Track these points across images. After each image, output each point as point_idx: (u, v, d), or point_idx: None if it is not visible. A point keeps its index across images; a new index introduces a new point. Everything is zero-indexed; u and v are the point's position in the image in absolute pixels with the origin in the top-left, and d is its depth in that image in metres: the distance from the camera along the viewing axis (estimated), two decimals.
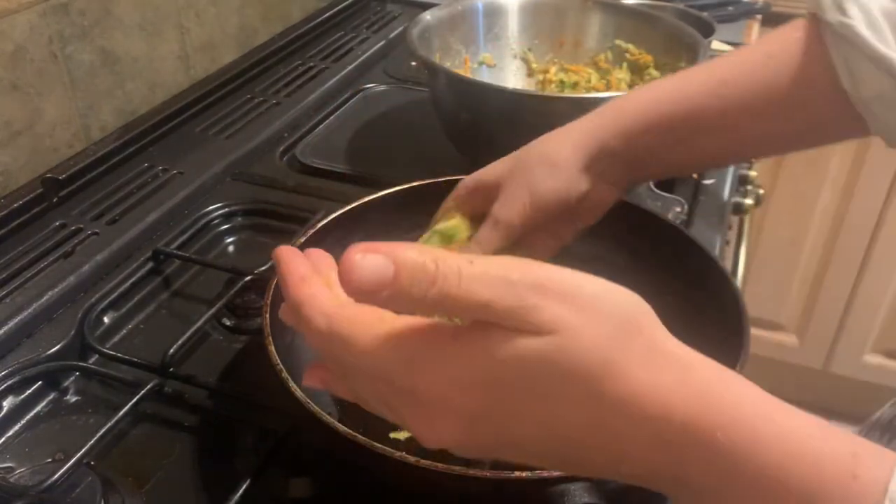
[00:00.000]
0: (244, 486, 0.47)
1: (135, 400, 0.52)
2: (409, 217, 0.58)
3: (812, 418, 0.28)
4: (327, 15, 1.14)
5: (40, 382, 0.56)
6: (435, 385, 0.29)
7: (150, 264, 0.67)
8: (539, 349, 0.28)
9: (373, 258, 0.27)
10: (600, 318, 0.28)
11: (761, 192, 0.94)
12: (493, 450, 0.31)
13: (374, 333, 0.30)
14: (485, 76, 0.88)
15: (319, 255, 0.41)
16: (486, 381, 0.28)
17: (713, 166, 0.78)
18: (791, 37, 0.53)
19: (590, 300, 0.28)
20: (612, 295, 0.29)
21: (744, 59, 0.54)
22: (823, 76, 0.51)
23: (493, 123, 0.73)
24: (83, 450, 0.48)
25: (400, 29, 1.13)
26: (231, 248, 0.74)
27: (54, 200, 0.73)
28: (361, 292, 0.27)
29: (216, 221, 0.75)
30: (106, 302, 0.62)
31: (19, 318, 0.59)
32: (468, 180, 0.55)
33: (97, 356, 0.59)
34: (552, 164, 0.52)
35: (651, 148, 0.54)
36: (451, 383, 0.29)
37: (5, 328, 0.58)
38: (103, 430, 0.50)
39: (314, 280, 0.35)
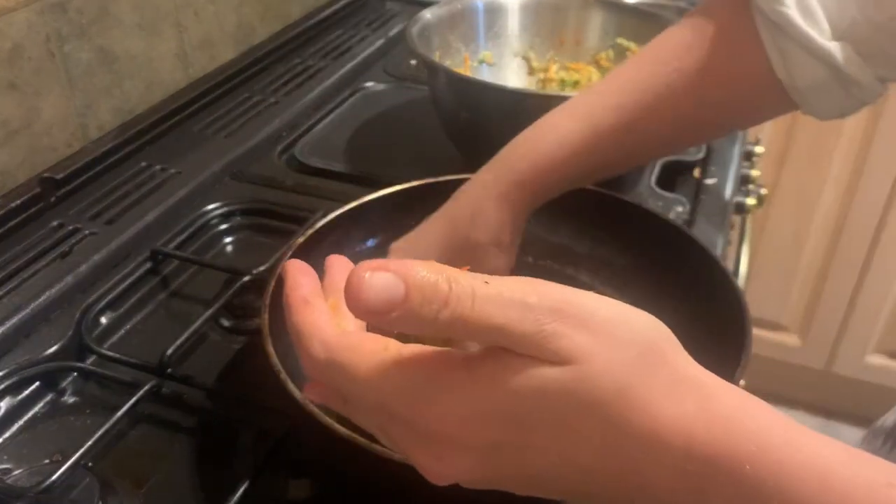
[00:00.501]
0: (243, 488, 0.47)
1: (133, 401, 0.52)
2: (409, 217, 0.58)
3: (842, 446, 0.27)
4: (326, 13, 1.14)
5: (38, 383, 0.56)
6: (445, 418, 0.27)
7: (148, 264, 0.66)
8: (558, 380, 0.26)
9: (382, 276, 0.26)
10: (620, 344, 0.27)
11: (763, 191, 0.94)
12: (507, 483, 0.29)
13: (377, 361, 0.29)
14: (485, 75, 0.87)
15: (339, 268, 0.39)
16: (502, 415, 0.27)
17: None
18: (718, 23, 0.52)
19: (609, 326, 0.27)
20: (632, 321, 0.28)
21: (665, 54, 0.53)
22: (750, 58, 0.50)
23: (494, 122, 0.73)
24: (81, 451, 0.48)
25: (399, 27, 1.13)
26: (229, 248, 0.73)
27: (52, 200, 0.72)
28: (369, 312, 0.26)
29: (214, 221, 0.74)
30: (104, 302, 0.62)
31: (17, 318, 0.58)
32: None
33: (95, 357, 0.58)
34: (500, 245, 0.55)
35: (571, 183, 0.56)
36: (463, 417, 0.27)
37: (2, 329, 0.57)
38: (101, 432, 0.49)
39: (317, 304, 0.33)
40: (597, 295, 0.28)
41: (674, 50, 0.53)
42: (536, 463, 0.28)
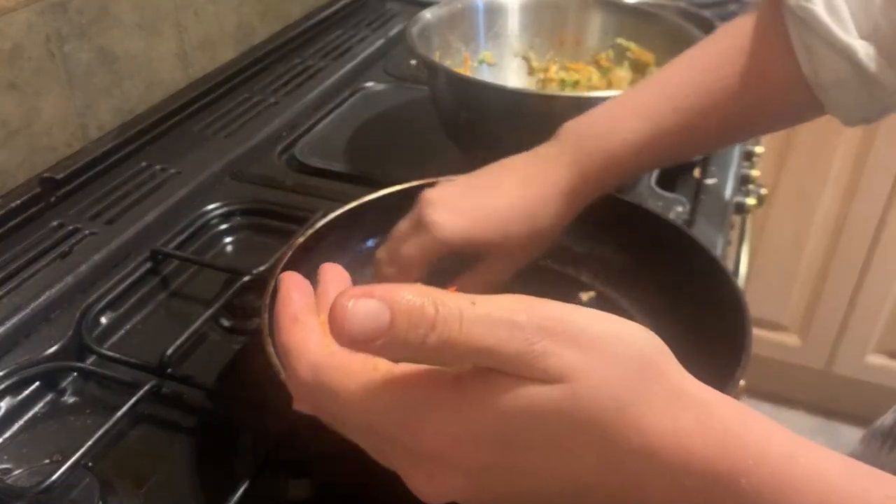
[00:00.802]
0: (243, 488, 0.47)
1: (133, 401, 0.52)
2: None
3: (840, 458, 0.27)
4: (326, 13, 1.14)
5: (38, 383, 0.56)
6: (436, 440, 0.27)
7: (148, 264, 0.66)
8: (549, 399, 0.26)
9: (365, 304, 0.25)
10: (615, 360, 0.26)
11: (763, 191, 0.94)
12: (499, 501, 0.29)
13: (365, 381, 0.28)
14: (485, 75, 0.87)
15: (332, 278, 0.38)
16: (493, 436, 0.27)
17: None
18: (762, 26, 0.52)
19: (602, 342, 0.27)
20: (627, 335, 0.27)
21: (718, 57, 0.54)
22: (782, 60, 0.51)
23: (494, 122, 0.73)
24: (81, 451, 0.48)
25: (399, 27, 1.13)
26: (229, 248, 0.73)
27: (52, 200, 0.72)
28: (354, 342, 0.26)
29: (214, 221, 0.74)
30: (104, 302, 0.62)
31: (17, 318, 0.58)
32: (451, 234, 0.51)
33: (95, 357, 0.58)
34: (542, 236, 0.54)
35: (622, 180, 0.57)
36: (453, 438, 0.27)
37: (2, 329, 0.57)
38: (101, 432, 0.49)
39: (307, 322, 0.33)
40: (589, 310, 0.27)
41: (726, 53, 0.54)
42: (526, 482, 0.28)
